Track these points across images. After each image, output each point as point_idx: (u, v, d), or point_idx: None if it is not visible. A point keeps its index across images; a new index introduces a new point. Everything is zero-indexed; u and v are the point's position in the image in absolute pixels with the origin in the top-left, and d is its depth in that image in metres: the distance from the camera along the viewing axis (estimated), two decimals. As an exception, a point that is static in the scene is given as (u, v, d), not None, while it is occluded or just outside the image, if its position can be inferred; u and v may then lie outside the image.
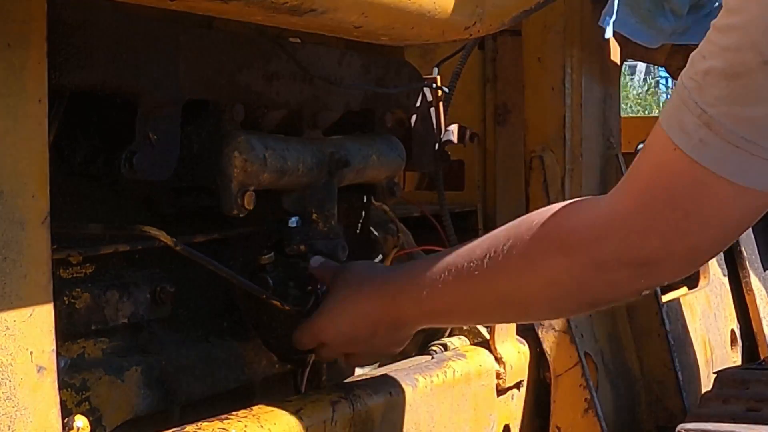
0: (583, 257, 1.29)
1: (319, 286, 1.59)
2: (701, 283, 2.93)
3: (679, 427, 1.80)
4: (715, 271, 3.00)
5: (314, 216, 1.63)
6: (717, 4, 2.42)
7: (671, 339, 2.47)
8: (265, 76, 1.56)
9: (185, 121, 1.45)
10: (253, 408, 1.41)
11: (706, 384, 2.59)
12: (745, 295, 3.11)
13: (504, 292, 1.40)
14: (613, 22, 2.24)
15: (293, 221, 1.62)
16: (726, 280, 3.09)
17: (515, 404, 2.02)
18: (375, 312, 1.52)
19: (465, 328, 1.96)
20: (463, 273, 1.41)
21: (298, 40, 1.64)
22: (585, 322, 2.25)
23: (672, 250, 1.25)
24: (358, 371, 1.80)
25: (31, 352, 1.09)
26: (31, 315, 1.09)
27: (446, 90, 2.05)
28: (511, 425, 1.99)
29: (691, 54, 1.23)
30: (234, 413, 1.38)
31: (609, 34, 2.26)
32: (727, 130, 1.17)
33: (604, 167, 2.59)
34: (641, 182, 1.27)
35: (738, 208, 1.22)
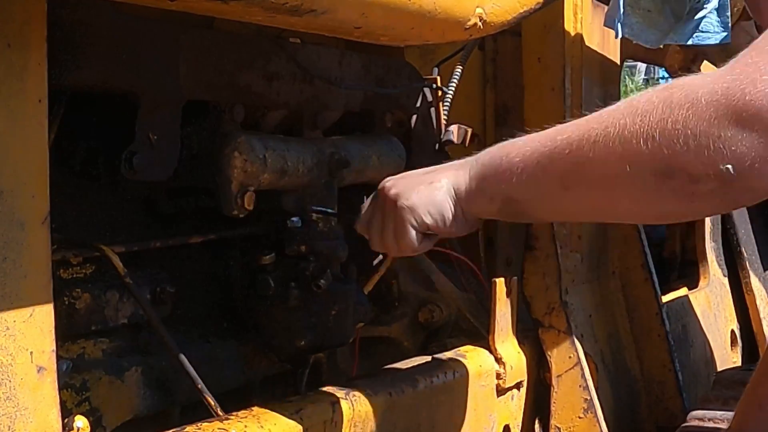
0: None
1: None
2: (701, 283, 2.93)
3: (680, 428, 1.80)
4: (715, 271, 3.00)
5: (314, 216, 1.63)
6: (717, 4, 2.42)
7: (671, 339, 2.47)
8: (265, 76, 1.56)
9: (185, 122, 1.45)
10: (253, 408, 1.41)
11: (706, 384, 2.59)
12: (745, 295, 3.11)
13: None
14: (620, 25, 2.23)
15: (293, 221, 1.62)
16: (726, 280, 3.09)
17: (515, 404, 2.02)
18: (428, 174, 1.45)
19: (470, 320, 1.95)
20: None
21: (298, 41, 1.64)
22: (585, 323, 2.25)
23: None
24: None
25: (31, 353, 1.09)
26: (31, 315, 1.09)
27: (446, 90, 2.05)
28: (511, 425, 1.99)
29: None
30: (234, 413, 1.38)
31: (619, 34, 2.26)
32: None
33: (604, 167, 2.58)
34: None
35: None
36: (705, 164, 1.15)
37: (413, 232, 1.41)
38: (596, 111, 1.25)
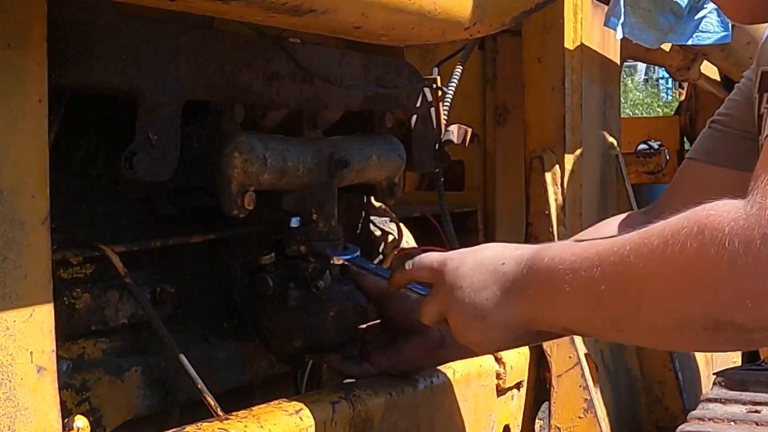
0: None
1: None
2: (701, 283, 2.92)
3: (679, 428, 1.80)
4: (715, 271, 2.99)
5: (314, 216, 1.63)
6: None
7: (671, 339, 2.47)
8: (265, 76, 1.56)
9: (185, 122, 1.45)
10: (253, 408, 1.41)
11: (706, 384, 2.59)
12: (746, 295, 3.10)
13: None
14: (621, 24, 2.24)
15: (293, 221, 1.62)
16: (726, 280, 3.08)
17: (515, 404, 2.02)
18: (507, 286, 1.36)
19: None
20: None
21: (298, 40, 1.64)
22: (585, 323, 2.24)
23: None
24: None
25: (31, 353, 1.09)
26: (31, 315, 1.09)
27: (446, 90, 2.05)
28: (511, 425, 1.99)
29: None
30: (234, 413, 1.38)
31: (620, 35, 2.26)
32: None
33: (604, 167, 2.59)
34: None
35: None
36: (756, 319, 1.10)
37: None
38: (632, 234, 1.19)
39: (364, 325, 1.71)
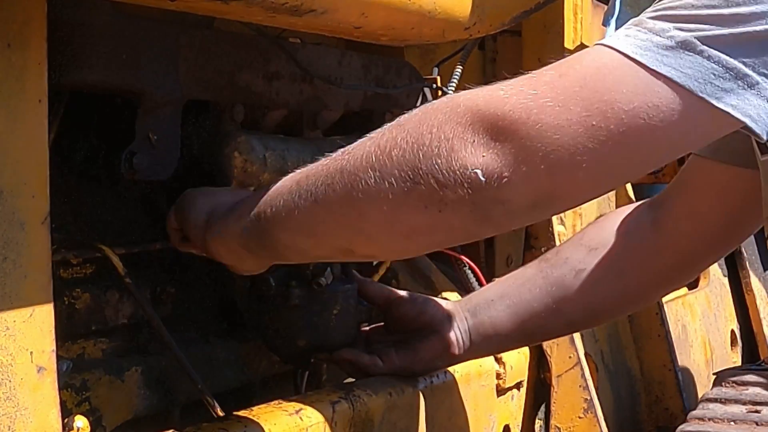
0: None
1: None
2: (701, 283, 2.93)
3: (679, 428, 1.80)
4: (715, 271, 3.00)
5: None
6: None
7: (671, 339, 2.47)
8: (265, 76, 1.56)
9: (185, 121, 1.45)
10: (253, 408, 1.41)
11: (706, 384, 2.59)
12: (745, 295, 3.11)
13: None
14: (615, 23, 2.24)
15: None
16: (726, 280, 3.08)
17: (515, 404, 2.02)
18: (221, 192, 1.43)
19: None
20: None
21: (298, 41, 1.64)
22: (585, 323, 2.25)
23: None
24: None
25: (31, 353, 1.09)
26: (31, 315, 1.09)
27: (446, 90, 2.05)
28: (511, 425, 1.99)
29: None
30: (234, 413, 1.38)
31: (611, 34, 2.26)
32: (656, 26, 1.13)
33: (604, 167, 2.58)
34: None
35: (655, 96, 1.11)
36: (453, 169, 1.11)
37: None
38: None
39: (367, 327, 1.71)
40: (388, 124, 1.20)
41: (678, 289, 2.00)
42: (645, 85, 1.11)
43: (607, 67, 1.14)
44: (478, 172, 1.10)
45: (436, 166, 1.12)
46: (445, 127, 1.12)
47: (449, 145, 1.11)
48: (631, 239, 1.65)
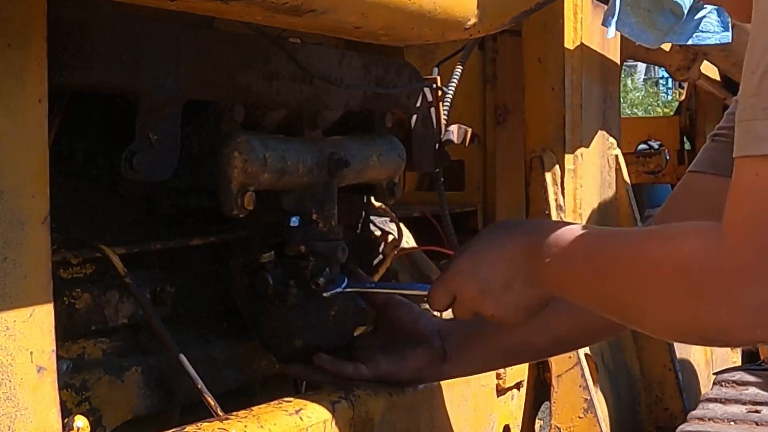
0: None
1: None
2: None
3: (679, 428, 1.80)
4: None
5: (314, 216, 1.63)
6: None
7: (671, 339, 2.47)
8: (265, 76, 1.56)
9: (185, 121, 1.45)
10: (253, 408, 1.41)
11: (706, 384, 2.59)
12: (745, 295, 3.10)
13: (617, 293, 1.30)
14: (615, 22, 2.24)
15: (293, 221, 1.62)
16: (726, 280, 3.08)
17: (515, 404, 2.02)
18: (516, 256, 1.44)
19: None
20: (593, 255, 1.34)
21: (298, 41, 1.64)
22: (585, 323, 2.24)
23: None
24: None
25: (31, 352, 1.09)
26: (31, 315, 1.09)
27: (446, 90, 2.05)
28: (511, 425, 2.00)
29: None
30: (234, 413, 1.38)
31: (611, 33, 2.26)
32: None
33: (604, 167, 2.59)
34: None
35: None
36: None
37: None
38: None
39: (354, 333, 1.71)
40: (648, 237, 1.30)
41: None
42: None
43: None
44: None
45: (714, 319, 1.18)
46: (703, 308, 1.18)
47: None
48: None
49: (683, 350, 2.62)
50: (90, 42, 1.29)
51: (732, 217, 1.15)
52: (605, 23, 2.26)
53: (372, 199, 1.94)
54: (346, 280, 1.63)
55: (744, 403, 1.93)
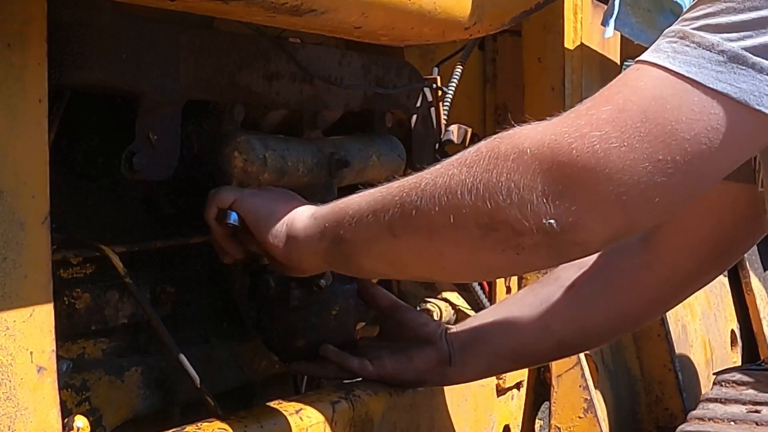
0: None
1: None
2: (701, 283, 2.92)
3: (679, 428, 1.80)
4: (715, 271, 3.00)
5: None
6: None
7: (671, 339, 2.47)
8: (265, 76, 1.56)
9: (185, 121, 1.45)
10: (253, 408, 1.41)
11: (706, 384, 2.59)
12: (745, 295, 3.11)
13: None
14: (614, 22, 2.24)
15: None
16: (726, 280, 3.08)
17: (515, 404, 2.02)
18: (287, 198, 1.47)
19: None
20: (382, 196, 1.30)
21: (298, 41, 1.64)
22: (585, 323, 2.25)
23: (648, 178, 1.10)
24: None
25: (31, 352, 1.09)
26: (31, 315, 1.09)
27: (446, 90, 2.05)
28: (511, 425, 2.00)
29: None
30: (234, 413, 1.38)
31: (609, 33, 2.26)
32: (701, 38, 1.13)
33: (604, 167, 2.58)
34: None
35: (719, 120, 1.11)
36: (528, 218, 1.13)
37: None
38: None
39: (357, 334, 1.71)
40: (453, 161, 1.22)
41: (669, 310, 1.99)
42: (703, 108, 1.12)
43: (665, 94, 1.14)
44: (553, 222, 1.12)
45: (511, 216, 1.14)
46: (514, 176, 1.14)
47: (520, 195, 1.13)
48: (619, 254, 1.63)
49: (683, 350, 2.62)
50: (90, 42, 1.29)
51: (599, 96, 1.17)
52: (605, 23, 2.26)
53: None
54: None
55: (744, 403, 1.93)
